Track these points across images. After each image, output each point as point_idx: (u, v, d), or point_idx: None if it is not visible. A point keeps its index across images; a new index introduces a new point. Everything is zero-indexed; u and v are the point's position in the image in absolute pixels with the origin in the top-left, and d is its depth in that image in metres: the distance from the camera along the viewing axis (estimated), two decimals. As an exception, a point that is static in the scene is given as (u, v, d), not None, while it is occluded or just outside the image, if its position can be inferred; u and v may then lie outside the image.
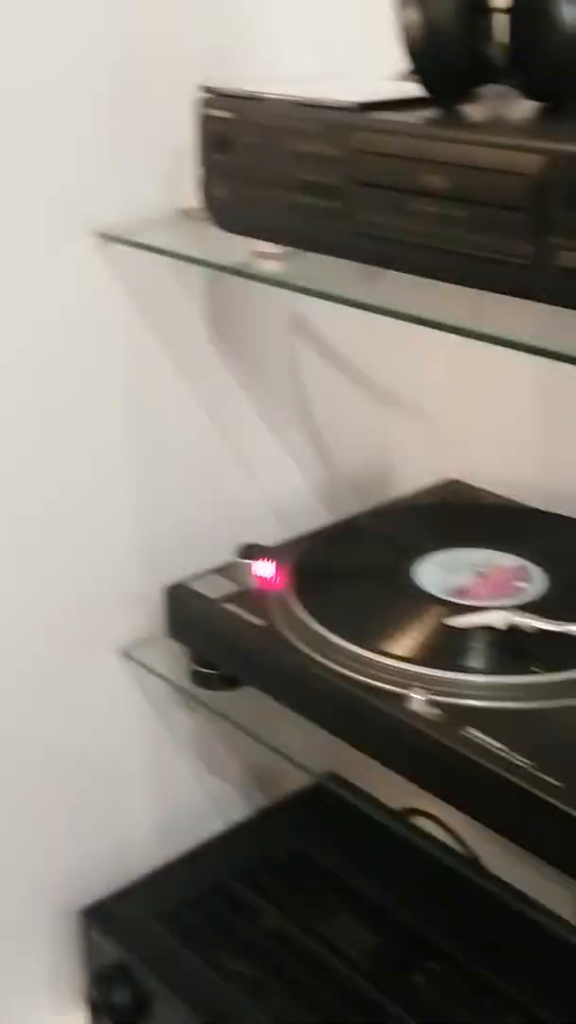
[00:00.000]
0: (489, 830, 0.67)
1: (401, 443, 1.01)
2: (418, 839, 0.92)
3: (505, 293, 0.58)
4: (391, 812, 0.95)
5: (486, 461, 0.97)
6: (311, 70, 0.82)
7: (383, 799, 0.96)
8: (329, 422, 0.98)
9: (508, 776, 0.62)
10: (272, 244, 0.71)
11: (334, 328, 0.95)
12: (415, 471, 0.99)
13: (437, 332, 0.91)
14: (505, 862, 0.80)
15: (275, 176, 0.66)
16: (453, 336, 0.93)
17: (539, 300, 0.57)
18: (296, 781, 1.02)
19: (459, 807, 0.66)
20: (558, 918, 0.68)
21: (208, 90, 0.69)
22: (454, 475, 0.98)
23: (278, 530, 0.94)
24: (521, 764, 0.63)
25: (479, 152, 0.56)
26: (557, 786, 0.61)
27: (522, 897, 0.82)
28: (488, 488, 0.95)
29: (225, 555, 0.85)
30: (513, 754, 0.63)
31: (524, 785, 0.61)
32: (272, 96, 0.67)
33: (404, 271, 0.63)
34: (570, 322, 0.58)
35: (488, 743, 0.64)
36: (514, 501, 0.93)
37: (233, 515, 0.93)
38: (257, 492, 0.95)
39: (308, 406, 0.96)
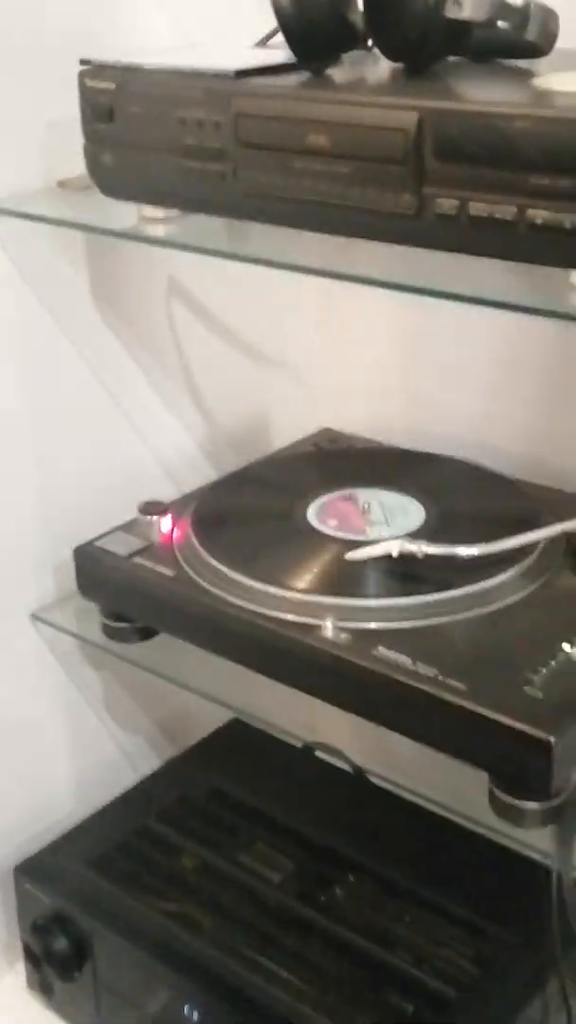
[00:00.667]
0: (385, 753, 0.72)
1: (277, 398, 1.04)
2: (321, 768, 0.97)
3: (388, 241, 0.62)
4: (295, 747, 1.00)
5: (356, 408, 1.02)
6: (175, 42, 0.85)
7: (286, 737, 1.01)
8: (210, 382, 1.00)
9: (418, 685, 0.67)
10: (159, 208, 0.73)
11: (208, 290, 0.98)
12: (292, 424, 1.03)
13: (303, 288, 0.96)
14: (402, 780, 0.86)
15: (160, 142, 0.68)
16: (318, 290, 0.98)
17: (419, 246, 0.61)
18: (201, 730, 1.05)
19: (377, 720, 0.70)
20: (461, 814, 0.73)
21: (88, 62, 0.70)
22: (328, 424, 1.02)
23: (170, 489, 0.97)
24: (427, 674, 0.68)
25: (360, 111, 0.60)
26: (461, 688, 0.66)
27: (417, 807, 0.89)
28: (361, 434, 1.00)
29: (126, 515, 0.87)
30: (419, 665, 0.68)
31: (433, 691, 0.66)
32: (152, 66, 0.69)
33: (290, 226, 0.66)
34: (430, 263, 0.62)
35: (396, 659, 0.69)
36: (385, 444, 0.98)
37: (129, 476, 0.95)
38: (149, 453, 0.97)
39: (190, 368, 0.98)
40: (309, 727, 0.86)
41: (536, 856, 0.66)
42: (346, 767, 0.93)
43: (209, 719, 1.05)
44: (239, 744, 1.01)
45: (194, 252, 0.72)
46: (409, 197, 0.59)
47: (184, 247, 0.72)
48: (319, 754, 0.99)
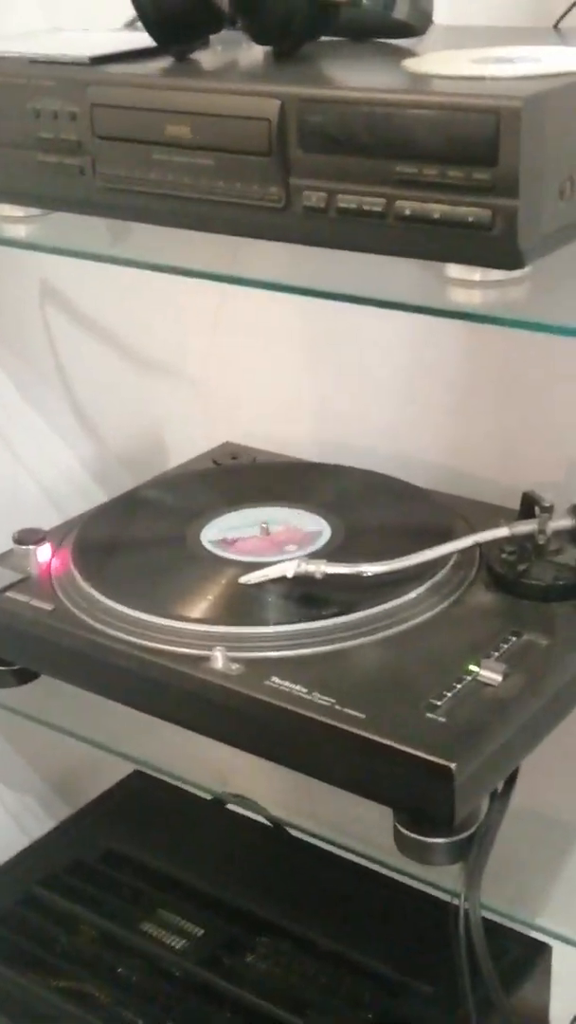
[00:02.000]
0: (301, 800, 0.77)
1: (171, 412, 1.10)
2: (230, 822, 1.02)
3: (255, 237, 0.67)
4: (204, 800, 1.04)
5: (257, 420, 1.07)
6: (37, 26, 0.90)
7: (193, 787, 1.05)
8: (93, 396, 1.05)
9: (314, 716, 0.71)
10: (16, 206, 0.77)
11: (87, 295, 1.03)
12: (188, 439, 1.08)
13: (196, 293, 1.01)
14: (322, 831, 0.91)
15: (13, 136, 0.73)
16: (212, 291, 1.03)
17: (288, 240, 0.66)
18: (98, 785, 1.09)
19: (276, 758, 0.74)
20: (369, 856, 0.78)
21: None
22: (229, 438, 1.07)
23: (53, 515, 1.01)
24: (323, 703, 0.72)
25: (219, 99, 0.65)
26: (359, 717, 0.71)
27: (334, 858, 0.94)
28: (262, 447, 1.05)
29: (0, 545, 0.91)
30: (315, 695, 0.73)
31: (329, 721, 0.71)
32: (2, 53, 0.74)
33: (154, 223, 0.71)
34: (312, 260, 0.68)
35: (290, 688, 0.74)
36: (290, 457, 1.03)
37: (3, 502, 0.99)
38: (26, 475, 1.01)
39: (69, 380, 1.03)
40: (219, 776, 0.90)
41: (445, 896, 0.71)
42: (259, 818, 0.97)
43: (107, 774, 1.09)
44: (140, 800, 1.06)
45: (55, 254, 0.77)
46: (276, 190, 0.65)
47: (44, 248, 0.77)
48: (230, 807, 1.04)
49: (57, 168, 0.72)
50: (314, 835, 0.77)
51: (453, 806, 0.67)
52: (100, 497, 1.04)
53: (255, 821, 1.03)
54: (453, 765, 0.67)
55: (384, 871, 0.93)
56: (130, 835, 1.01)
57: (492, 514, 0.87)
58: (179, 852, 1.00)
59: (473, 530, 0.85)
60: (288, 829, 1.01)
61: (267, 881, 0.96)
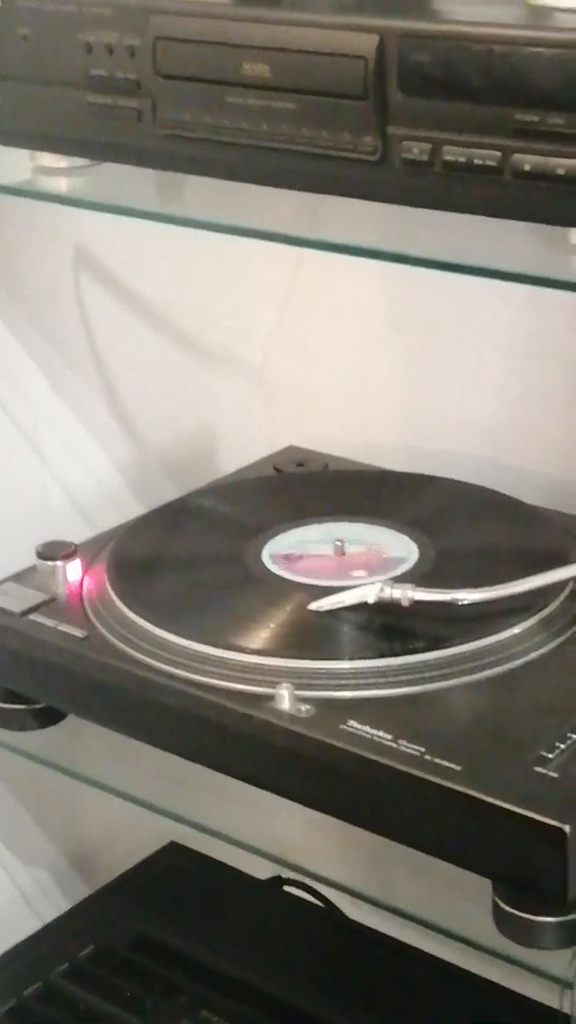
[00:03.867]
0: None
1: (226, 408, 1.14)
2: (285, 906, 1.05)
3: (345, 195, 0.72)
4: (251, 879, 1.08)
5: (330, 421, 1.12)
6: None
7: (238, 864, 1.09)
8: (136, 387, 1.10)
9: (400, 767, 0.75)
10: (59, 156, 0.82)
11: (130, 267, 1.08)
12: (245, 442, 1.12)
13: (261, 262, 1.05)
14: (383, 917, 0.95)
15: (59, 74, 0.78)
16: (281, 268, 1.08)
17: (383, 199, 0.71)
18: (124, 861, 1.13)
19: (348, 817, 0.78)
20: (458, 936, 0.81)
21: (-34, -27, 0.81)
22: (293, 442, 1.11)
23: (83, 528, 1.06)
24: (411, 752, 0.76)
25: (306, 33, 0.70)
26: (454, 769, 0.74)
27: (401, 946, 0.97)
28: (335, 454, 1.09)
29: (20, 562, 0.96)
30: (401, 743, 0.76)
31: (419, 773, 0.74)
32: (47, -22, 0.79)
33: (223, 177, 0.76)
34: (418, 225, 0.72)
35: (371, 734, 0.77)
36: (368, 465, 1.07)
37: (26, 511, 1.04)
38: (53, 481, 1.06)
39: (108, 368, 1.08)
40: (275, 847, 0.93)
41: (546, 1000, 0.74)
42: (317, 902, 1.01)
43: (135, 847, 1.13)
44: (176, 877, 1.10)
45: (108, 212, 0.82)
46: (370, 139, 0.69)
47: (94, 205, 0.82)
48: (288, 888, 1.08)
49: (110, 111, 0.77)
50: (391, 909, 0.80)
51: (566, 876, 0.70)
52: (137, 509, 1.09)
53: (310, 904, 1.06)
54: (567, 828, 0.70)
55: (470, 969, 0.98)
56: (164, 918, 1.05)
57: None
58: (222, 939, 1.03)
59: (592, 555, 0.88)
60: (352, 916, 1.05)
61: (328, 976, 1.00)
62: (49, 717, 0.92)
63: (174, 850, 1.12)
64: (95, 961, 1.01)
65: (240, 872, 1.08)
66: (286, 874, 1.11)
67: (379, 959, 1.01)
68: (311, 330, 1.10)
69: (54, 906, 1.11)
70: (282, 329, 1.11)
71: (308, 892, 1.08)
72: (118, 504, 1.10)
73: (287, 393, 1.13)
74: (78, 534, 1.00)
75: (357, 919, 1.05)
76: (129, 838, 1.13)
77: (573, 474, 1.01)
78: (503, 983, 0.97)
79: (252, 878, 1.08)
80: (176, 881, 1.09)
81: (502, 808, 0.72)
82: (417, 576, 0.89)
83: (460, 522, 0.96)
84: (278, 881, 1.10)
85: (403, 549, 0.92)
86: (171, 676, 0.83)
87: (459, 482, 1.01)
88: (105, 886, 1.10)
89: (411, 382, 1.08)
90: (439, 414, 1.06)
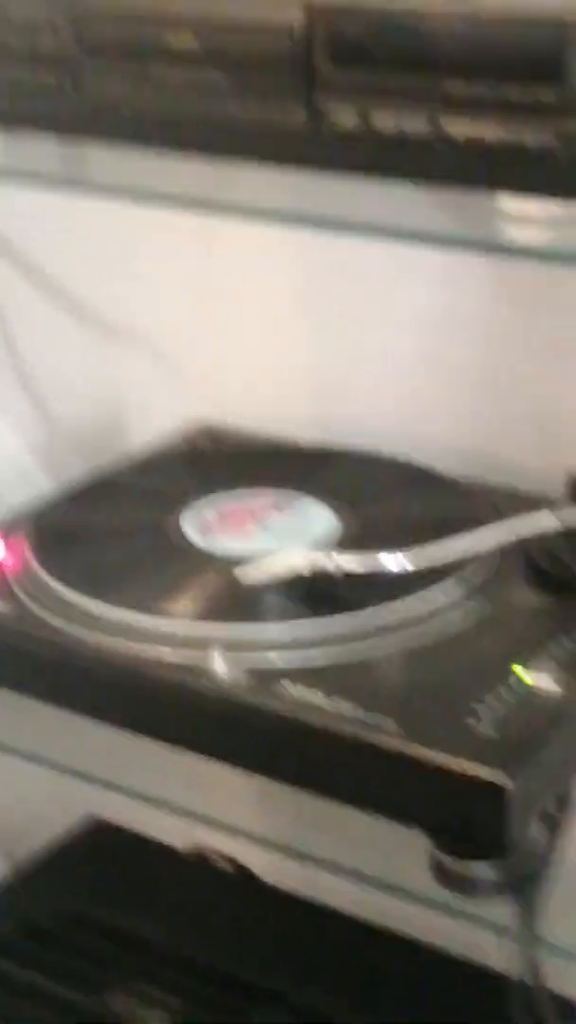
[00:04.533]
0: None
1: (136, 383, 1.15)
2: (212, 876, 1.07)
3: (274, 162, 0.73)
4: (175, 851, 1.10)
5: (242, 397, 1.13)
6: None
7: (161, 835, 1.10)
8: (44, 363, 1.10)
9: (337, 727, 0.77)
10: (-22, 130, 0.83)
11: (39, 243, 1.08)
12: (155, 417, 1.13)
13: (172, 235, 1.06)
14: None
15: (-19, 47, 0.79)
16: (189, 246, 1.09)
17: (312, 167, 0.72)
18: (43, 836, 1.13)
19: (284, 778, 0.80)
20: (400, 888, 0.84)
21: None
22: (206, 417, 1.13)
23: (-8, 506, 1.06)
24: (347, 712, 0.78)
25: (233, 4, 0.71)
26: (390, 726, 0.76)
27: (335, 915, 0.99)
28: (250, 428, 1.11)
29: None
30: (336, 701, 0.78)
31: (356, 732, 0.76)
32: (-35, -50, 0.79)
33: (149, 148, 0.77)
34: (338, 192, 0.73)
35: (307, 696, 0.79)
36: (282, 438, 1.09)
37: None
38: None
39: (16, 344, 1.08)
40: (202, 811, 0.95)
41: (491, 935, 0.76)
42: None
43: (54, 820, 1.13)
44: (99, 851, 1.11)
45: (24, 180, 0.82)
46: (299, 109, 0.71)
47: (10, 173, 0.82)
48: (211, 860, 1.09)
49: (32, 85, 0.78)
50: (334, 866, 0.82)
51: (504, 827, 0.73)
52: (47, 486, 1.09)
53: (232, 874, 1.08)
54: (502, 778, 0.72)
55: (401, 933, 1.01)
56: (89, 892, 1.06)
57: (531, 503, 0.94)
58: (149, 911, 1.05)
59: (511, 520, 0.91)
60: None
61: (257, 942, 1.02)
62: (-26, 694, 0.93)
63: (93, 825, 1.13)
64: (22, 936, 1.02)
65: (161, 844, 1.10)
66: (210, 846, 1.14)
67: (303, 922, 1.03)
68: (223, 306, 1.11)
69: (-26, 886, 1.12)
70: (194, 305, 1.12)
71: (229, 863, 1.10)
72: (28, 481, 1.10)
73: (199, 369, 1.13)
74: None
75: (284, 887, 1.07)
76: (47, 813, 1.14)
77: (483, 443, 1.03)
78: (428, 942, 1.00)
79: (174, 850, 1.10)
80: (98, 855, 1.10)
81: (437, 762, 0.74)
82: (341, 544, 0.90)
83: (378, 491, 0.98)
84: (201, 854, 1.11)
85: (324, 517, 0.94)
86: (99, 646, 0.84)
87: (374, 452, 1.03)
88: (27, 863, 1.10)
89: (323, 357, 1.09)
90: (352, 388, 1.08)
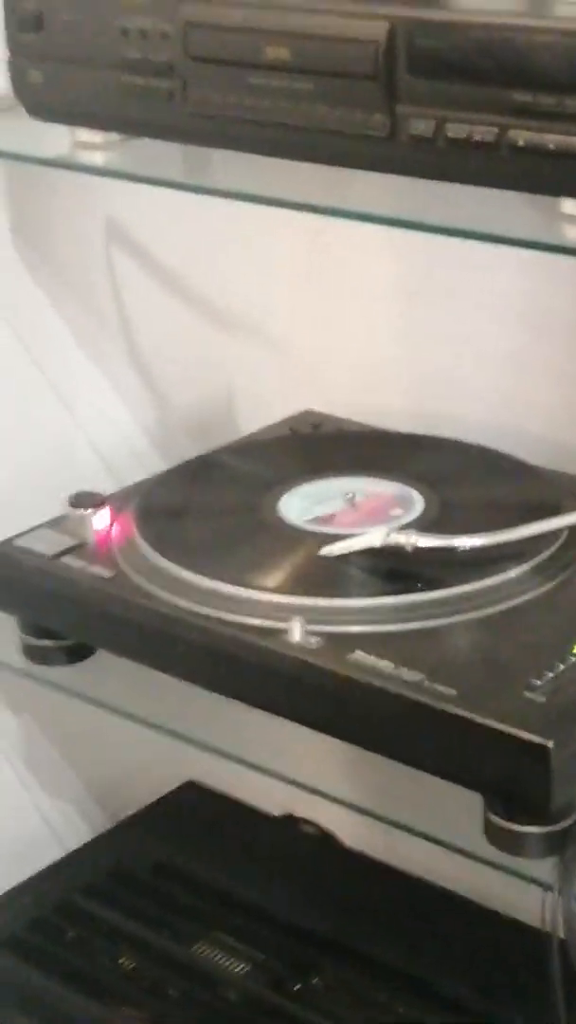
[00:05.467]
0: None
1: (245, 371, 1.21)
2: (291, 837, 1.13)
3: (356, 167, 0.79)
4: (264, 814, 1.16)
5: (343, 387, 1.19)
6: None
7: (253, 802, 1.17)
8: (159, 350, 1.17)
9: (400, 692, 0.82)
10: (96, 132, 0.90)
11: (158, 237, 1.15)
12: (263, 405, 1.19)
13: (281, 233, 1.12)
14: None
15: (98, 56, 0.86)
16: (300, 241, 1.15)
17: (392, 171, 0.78)
18: (144, 798, 1.20)
19: (353, 739, 0.86)
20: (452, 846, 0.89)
21: (12, -38, 0.88)
22: (310, 405, 1.19)
23: (108, 482, 1.13)
24: (411, 679, 0.83)
25: (323, 20, 0.77)
26: (450, 693, 0.81)
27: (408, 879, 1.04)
28: (351, 416, 1.16)
29: (51, 511, 1.03)
30: (402, 670, 0.84)
31: (417, 697, 0.82)
32: (87, -33, 0.86)
33: (248, 151, 0.83)
34: (426, 195, 0.79)
35: (375, 664, 0.85)
36: (379, 428, 1.15)
37: (56, 463, 1.11)
38: (82, 435, 1.14)
39: (134, 332, 1.16)
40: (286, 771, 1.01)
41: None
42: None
43: (155, 784, 1.20)
44: (193, 811, 1.17)
45: (142, 183, 0.89)
46: (381, 117, 0.76)
47: (129, 176, 0.89)
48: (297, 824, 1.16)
49: (144, 91, 0.85)
50: (392, 822, 0.88)
51: (550, 789, 0.78)
52: (160, 465, 1.16)
53: (316, 837, 1.14)
54: (551, 744, 0.77)
55: (467, 895, 1.06)
56: (182, 847, 1.13)
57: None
58: (239, 870, 1.11)
59: (585, 507, 0.96)
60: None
61: (335, 901, 1.08)
62: (77, 653, 1.00)
63: (191, 788, 1.19)
64: (116, 883, 1.09)
65: (253, 808, 1.16)
66: (297, 813, 1.20)
67: (378, 884, 1.09)
68: (326, 299, 1.17)
69: (76, 836, 1.19)
70: (299, 298, 1.18)
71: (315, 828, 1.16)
72: (141, 460, 1.17)
73: (303, 359, 1.19)
74: (103, 486, 1.08)
75: (359, 850, 1.13)
76: (150, 775, 1.21)
77: (567, 435, 1.08)
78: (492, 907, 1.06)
79: (264, 813, 1.16)
80: (193, 815, 1.17)
81: (492, 728, 0.79)
82: (422, 525, 0.96)
83: (463, 478, 1.03)
84: (289, 818, 1.18)
85: (409, 501, 0.99)
86: (192, 613, 0.91)
87: (462, 442, 1.08)
88: (126, 818, 1.18)
89: (419, 350, 1.14)
90: (445, 380, 1.13)
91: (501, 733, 0.79)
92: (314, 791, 0.95)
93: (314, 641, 0.87)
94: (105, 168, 0.90)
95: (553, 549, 0.94)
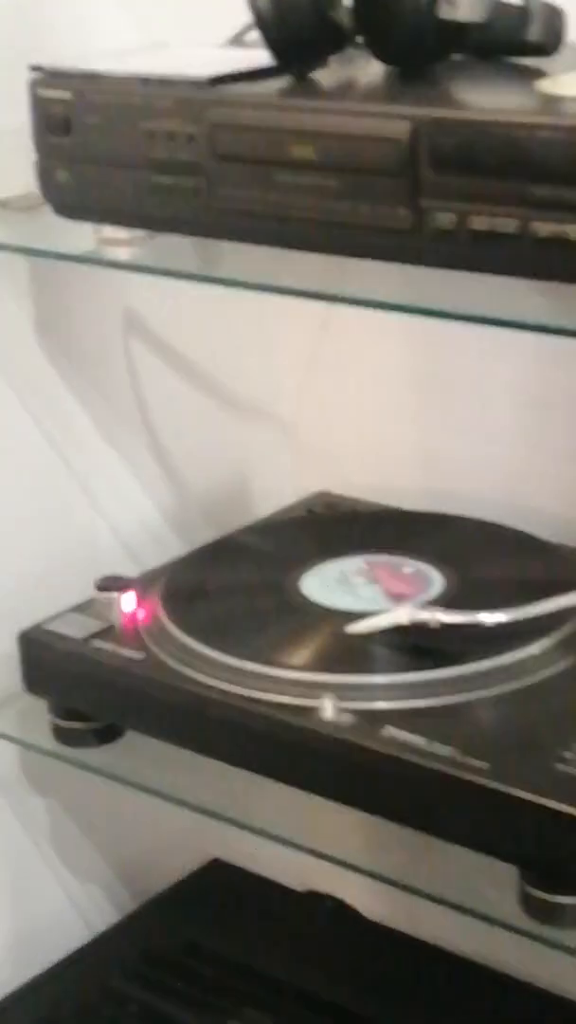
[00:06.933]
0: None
1: (260, 456, 1.23)
2: (323, 916, 1.14)
3: (382, 259, 0.81)
4: (292, 891, 1.17)
5: (356, 468, 1.21)
6: (131, 40, 1.06)
7: (277, 878, 1.17)
8: (177, 436, 1.19)
9: (433, 766, 0.84)
10: (120, 229, 0.92)
11: (174, 327, 1.17)
12: (277, 488, 1.21)
13: (291, 321, 1.15)
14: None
15: (124, 157, 0.88)
16: (309, 328, 1.17)
17: (416, 263, 0.80)
18: (170, 876, 1.21)
19: (389, 815, 0.87)
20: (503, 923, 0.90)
21: (40, 69, 0.90)
22: (322, 487, 1.21)
23: (129, 566, 1.14)
24: (444, 754, 0.84)
25: (347, 120, 0.80)
26: (483, 767, 0.83)
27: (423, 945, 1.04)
28: (364, 497, 1.18)
29: (76, 596, 1.04)
30: (434, 745, 0.85)
31: (450, 772, 0.83)
32: (113, 73, 0.89)
33: (273, 245, 0.85)
34: (442, 283, 0.81)
35: (408, 739, 0.86)
36: (394, 507, 1.16)
37: (79, 550, 1.13)
38: (103, 522, 1.15)
39: (153, 419, 1.17)
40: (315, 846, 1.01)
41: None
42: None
43: (181, 863, 1.21)
44: (220, 889, 1.18)
45: (165, 276, 0.91)
46: (404, 211, 0.79)
47: (154, 271, 0.91)
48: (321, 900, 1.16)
49: (171, 189, 0.87)
50: (426, 895, 0.88)
51: (586, 859, 0.79)
52: (179, 548, 1.18)
53: (342, 912, 1.15)
54: (585, 813, 0.79)
55: (505, 971, 1.07)
56: (211, 926, 1.13)
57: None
58: (267, 946, 1.12)
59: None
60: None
61: (361, 975, 1.08)
62: (107, 735, 1.01)
63: (217, 866, 1.20)
64: (148, 964, 1.10)
65: (278, 884, 1.17)
66: (320, 888, 1.20)
67: (403, 958, 1.09)
68: (337, 384, 1.20)
69: (102, 917, 1.19)
70: (311, 383, 1.20)
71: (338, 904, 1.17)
72: (161, 543, 1.18)
73: (315, 443, 1.22)
74: (125, 570, 1.09)
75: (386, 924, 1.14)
76: (174, 855, 1.21)
77: (577, 511, 1.10)
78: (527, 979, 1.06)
79: (289, 890, 1.16)
80: (219, 894, 1.17)
81: (527, 800, 0.80)
82: (444, 602, 0.97)
83: (481, 555, 1.05)
84: (312, 894, 1.18)
85: (430, 578, 1.01)
86: (221, 692, 0.92)
87: (478, 519, 1.10)
88: (153, 898, 1.18)
89: (430, 432, 1.17)
90: (457, 460, 1.15)
91: (536, 805, 0.80)
92: (349, 866, 0.96)
93: (346, 718, 0.89)
94: (129, 263, 0.92)
95: (574, 623, 0.96)
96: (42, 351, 1.09)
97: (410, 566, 1.03)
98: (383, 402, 1.18)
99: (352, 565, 1.04)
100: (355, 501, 1.18)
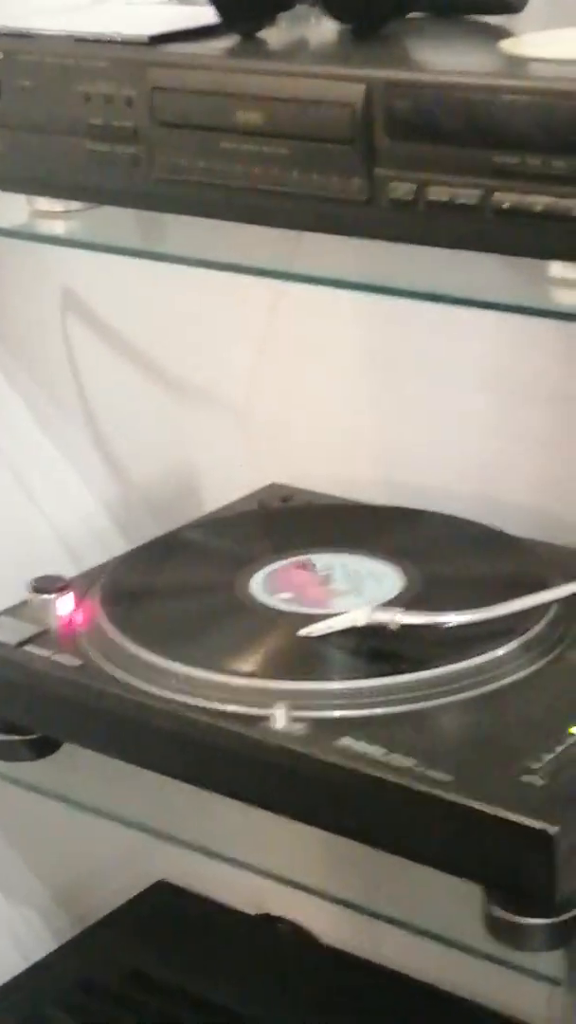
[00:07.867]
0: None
1: (208, 446, 1.22)
2: (276, 940, 1.13)
3: (335, 233, 0.80)
4: (242, 914, 1.16)
5: (312, 458, 1.20)
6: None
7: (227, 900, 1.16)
8: (120, 425, 1.18)
9: (392, 779, 0.83)
10: (55, 200, 0.91)
11: (116, 309, 1.16)
12: (227, 480, 1.20)
13: (242, 308, 1.14)
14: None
15: (58, 122, 0.87)
16: (260, 308, 1.16)
17: (371, 236, 0.79)
18: (113, 899, 1.20)
19: (345, 832, 0.86)
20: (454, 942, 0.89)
21: (-34, 27, 0.89)
22: (274, 479, 1.20)
23: (69, 566, 1.13)
24: (403, 765, 0.83)
25: (297, 83, 0.78)
26: (445, 779, 0.82)
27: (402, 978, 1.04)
28: (320, 489, 1.17)
29: (8, 598, 1.03)
30: (393, 756, 0.84)
31: (410, 784, 0.82)
32: (45, 31, 0.88)
33: (218, 218, 0.84)
34: (401, 258, 0.80)
35: (365, 750, 0.85)
36: (350, 500, 1.16)
37: (14, 549, 1.11)
38: (41, 518, 1.14)
39: (91, 406, 1.16)
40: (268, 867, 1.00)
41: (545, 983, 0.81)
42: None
43: (124, 885, 1.20)
44: (166, 914, 1.17)
45: (104, 251, 0.90)
46: (359, 181, 0.78)
47: (92, 246, 0.90)
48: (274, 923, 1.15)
49: (108, 157, 0.86)
50: (386, 917, 0.88)
51: (553, 878, 0.78)
52: (121, 545, 1.16)
53: (296, 936, 1.14)
54: (554, 830, 0.78)
55: (471, 998, 1.06)
56: (156, 953, 1.12)
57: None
58: (217, 974, 1.10)
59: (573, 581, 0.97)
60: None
61: (326, 1007, 1.07)
62: (43, 747, 0.99)
63: (163, 888, 1.19)
64: (87, 994, 1.08)
65: (228, 908, 1.16)
66: (274, 911, 1.19)
67: (361, 983, 1.08)
68: (290, 369, 1.19)
69: (41, 945, 1.18)
70: (262, 368, 1.19)
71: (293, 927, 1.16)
72: (103, 540, 1.17)
73: (268, 431, 1.21)
74: (64, 569, 1.08)
75: (344, 948, 1.13)
76: (117, 877, 1.20)
77: (549, 504, 1.09)
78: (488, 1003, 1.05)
79: (240, 913, 1.16)
80: (166, 918, 1.16)
81: (491, 815, 0.79)
82: (403, 602, 0.96)
83: (442, 551, 1.05)
84: (266, 917, 1.17)
85: (388, 577, 1.00)
86: (168, 700, 0.91)
87: (440, 514, 1.09)
88: (95, 923, 1.17)
89: (389, 418, 1.16)
90: (418, 449, 1.14)
91: (501, 820, 0.79)
92: (303, 888, 0.95)
93: (299, 728, 0.88)
94: (65, 237, 0.91)
95: (542, 625, 0.95)
96: (-28, 333, 1.08)
97: (368, 564, 1.02)
98: (340, 388, 1.17)
99: (306, 562, 1.03)
100: (311, 494, 1.17)
